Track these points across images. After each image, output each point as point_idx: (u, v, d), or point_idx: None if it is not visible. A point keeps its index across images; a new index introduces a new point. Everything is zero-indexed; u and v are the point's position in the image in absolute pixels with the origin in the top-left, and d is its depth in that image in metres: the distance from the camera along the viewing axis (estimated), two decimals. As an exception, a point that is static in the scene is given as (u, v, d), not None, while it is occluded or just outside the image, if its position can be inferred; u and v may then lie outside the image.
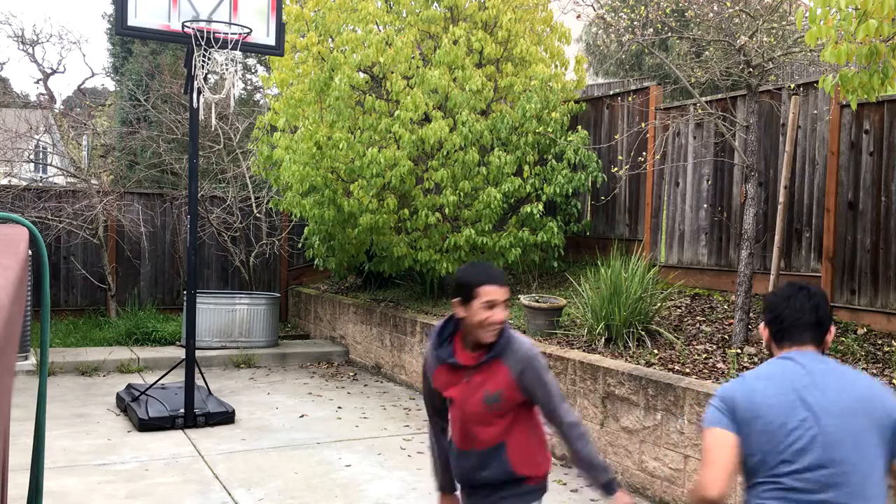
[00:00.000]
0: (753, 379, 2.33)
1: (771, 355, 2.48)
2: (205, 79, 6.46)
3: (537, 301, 6.97)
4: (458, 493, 2.98)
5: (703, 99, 6.99)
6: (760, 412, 2.25)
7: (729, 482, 2.22)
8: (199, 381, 7.14)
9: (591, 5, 7.20)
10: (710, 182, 7.36)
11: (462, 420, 2.71)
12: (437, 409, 2.94)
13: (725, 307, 6.75)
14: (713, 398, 2.37)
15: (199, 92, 6.52)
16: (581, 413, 5.89)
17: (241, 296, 10.08)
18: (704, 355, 5.73)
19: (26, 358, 8.51)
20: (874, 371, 5.08)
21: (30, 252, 2.86)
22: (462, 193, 8.10)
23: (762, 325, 2.48)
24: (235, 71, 6.47)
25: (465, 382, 2.67)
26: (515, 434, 2.70)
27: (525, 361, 2.64)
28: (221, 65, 6.40)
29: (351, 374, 9.27)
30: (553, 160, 8.46)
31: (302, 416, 7.14)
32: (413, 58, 8.23)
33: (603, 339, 6.24)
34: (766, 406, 2.25)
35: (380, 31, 8.61)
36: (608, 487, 2.68)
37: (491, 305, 2.58)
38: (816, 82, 5.97)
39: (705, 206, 7.38)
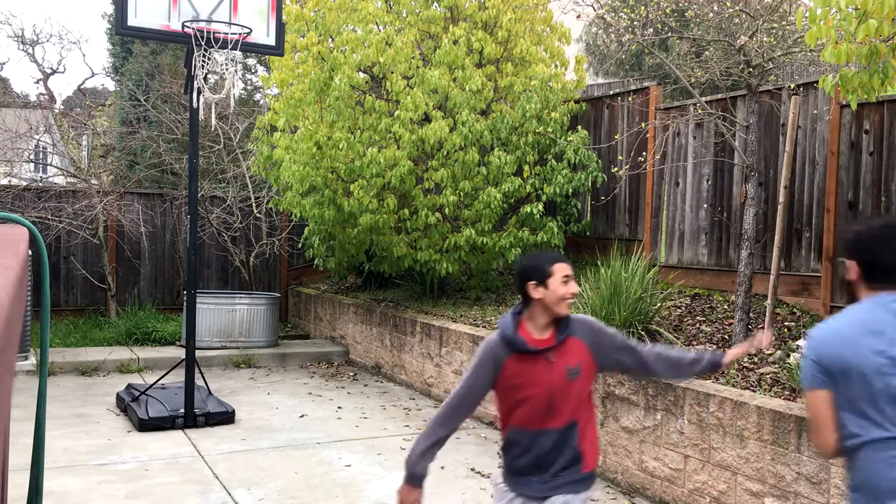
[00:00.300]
0: (841, 327, 2.33)
1: (850, 292, 2.49)
2: (205, 79, 6.46)
3: (537, 301, 6.97)
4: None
5: (703, 99, 6.99)
6: (850, 365, 2.26)
7: (836, 432, 2.32)
8: (199, 381, 7.14)
9: (591, 5, 7.20)
10: (710, 182, 7.36)
11: (546, 399, 2.87)
12: (477, 404, 3.02)
13: (725, 307, 6.75)
14: (806, 353, 2.38)
15: (199, 92, 6.52)
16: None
17: (241, 296, 10.08)
18: (704, 355, 5.72)
19: (26, 358, 8.51)
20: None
21: (30, 252, 2.86)
22: (462, 193, 8.10)
23: (852, 262, 2.44)
24: (235, 71, 6.47)
25: (546, 362, 2.87)
26: (583, 415, 2.93)
27: (589, 326, 2.96)
28: (221, 65, 6.40)
29: (351, 374, 9.27)
30: (553, 160, 8.46)
31: (302, 416, 7.14)
32: (413, 58, 8.23)
33: (603, 339, 6.23)
34: (855, 357, 2.26)
35: (380, 31, 8.61)
36: (716, 359, 3.02)
37: (567, 280, 2.89)
38: (816, 82, 5.97)
39: (705, 206, 7.38)
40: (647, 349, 3.01)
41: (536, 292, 2.87)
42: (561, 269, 2.88)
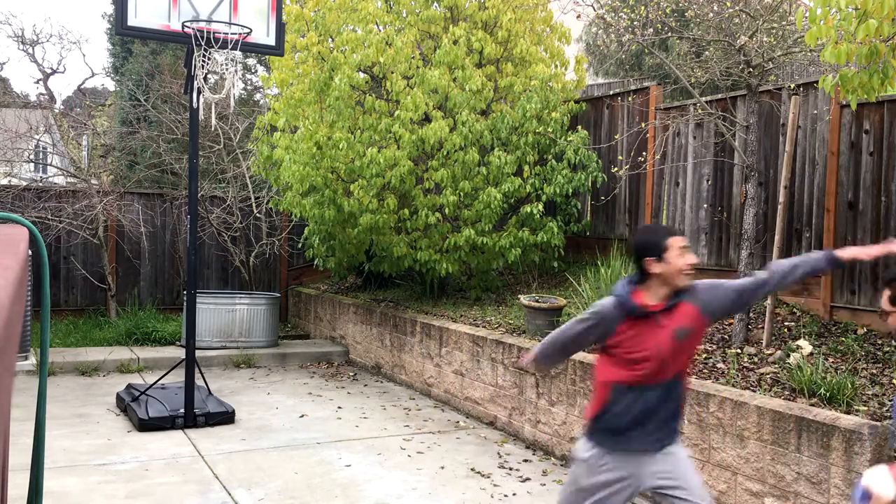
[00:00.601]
0: None
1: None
2: (205, 79, 6.45)
3: (537, 301, 6.97)
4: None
5: (703, 99, 6.99)
6: None
7: None
8: (199, 381, 7.14)
9: (591, 5, 7.20)
10: (710, 182, 7.36)
11: (657, 361, 2.99)
12: (578, 345, 3.21)
13: (725, 307, 6.74)
14: None
15: (199, 92, 6.52)
16: (581, 413, 5.89)
17: (241, 296, 10.08)
18: (704, 355, 5.73)
19: (26, 358, 8.51)
20: (874, 371, 5.08)
21: (30, 252, 2.86)
22: (462, 193, 8.10)
23: None
24: (235, 71, 6.47)
25: (657, 326, 3.00)
26: (685, 370, 3.10)
27: (701, 288, 3.05)
28: (221, 65, 6.40)
29: (351, 374, 9.27)
30: (553, 160, 8.46)
31: (302, 416, 7.14)
32: (413, 58, 8.23)
33: (603, 339, 6.23)
34: None
35: (380, 31, 8.61)
36: (832, 256, 3.00)
37: (683, 252, 2.96)
38: (816, 82, 5.97)
39: (705, 206, 7.38)
40: (767, 274, 3.06)
41: (656, 267, 2.96)
42: (677, 242, 2.95)
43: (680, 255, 2.94)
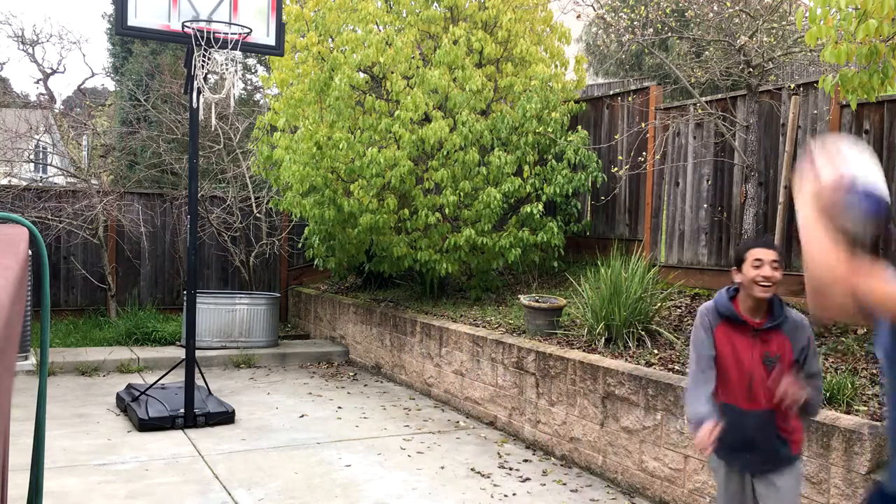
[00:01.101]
0: None
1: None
2: (205, 79, 6.45)
3: (537, 301, 6.97)
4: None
5: (703, 99, 6.99)
6: None
7: None
8: (199, 381, 7.14)
9: (591, 5, 7.20)
10: (710, 182, 7.36)
11: (746, 378, 3.05)
12: (713, 364, 3.14)
13: (725, 307, 6.74)
14: None
15: (199, 92, 6.52)
16: (581, 413, 5.89)
17: (241, 296, 10.08)
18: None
19: (26, 358, 8.51)
20: (874, 371, 5.08)
21: (30, 252, 2.87)
22: (462, 193, 8.10)
23: None
24: (235, 71, 6.47)
25: (751, 341, 3.05)
26: (781, 405, 3.04)
27: (799, 327, 3.08)
28: (221, 65, 6.40)
29: (351, 374, 9.27)
30: (553, 160, 8.47)
31: (302, 416, 7.14)
32: (413, 58, 8.23)
33: (603, 339, 6.24)
34: None
35: (380, 31, 8.61)
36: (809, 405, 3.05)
37: (758, 264, 2.99)
38: (816, 82, 5.97)
39: (705, 206, 7.38)
40: (819, 369, 3.15)
41: (737, 276, 3.08)
42: (753, 254, 3.00)
43: (753, 267, 2.98)
